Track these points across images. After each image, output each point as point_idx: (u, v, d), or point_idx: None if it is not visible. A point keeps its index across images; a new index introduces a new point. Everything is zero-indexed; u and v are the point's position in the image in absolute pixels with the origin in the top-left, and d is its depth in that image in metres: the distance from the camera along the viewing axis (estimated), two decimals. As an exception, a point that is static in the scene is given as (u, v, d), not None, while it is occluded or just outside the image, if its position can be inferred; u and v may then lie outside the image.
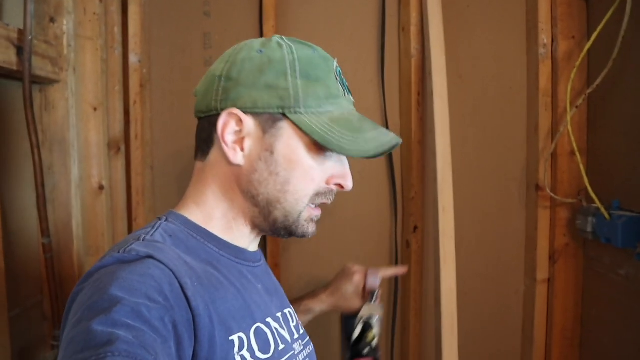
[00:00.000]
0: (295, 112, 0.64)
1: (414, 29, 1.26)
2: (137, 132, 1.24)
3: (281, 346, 0.65)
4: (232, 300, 0.61)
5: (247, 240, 0.72)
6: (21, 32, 0.92)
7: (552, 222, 1.21)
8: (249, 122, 0.65)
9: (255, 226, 0.70)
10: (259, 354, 0.60)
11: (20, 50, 0.92)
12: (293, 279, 1.34)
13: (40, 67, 0.99)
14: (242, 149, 0.66)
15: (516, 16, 1.27)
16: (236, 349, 0.57)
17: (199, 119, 0.71)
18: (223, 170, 0.68)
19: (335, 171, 0.69)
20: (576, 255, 1.20)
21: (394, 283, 1.34)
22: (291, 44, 0.68)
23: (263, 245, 1.32)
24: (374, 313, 0.99)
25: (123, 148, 1.24)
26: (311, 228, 0.70)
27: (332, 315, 1.07)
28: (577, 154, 1.13)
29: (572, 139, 1.14)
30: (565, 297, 1.20)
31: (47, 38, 1.05)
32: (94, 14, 1.12)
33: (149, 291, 0.51)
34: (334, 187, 0.69)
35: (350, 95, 0.73)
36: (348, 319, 1.01)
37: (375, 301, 1.00)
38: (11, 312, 0.92)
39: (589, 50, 1.12)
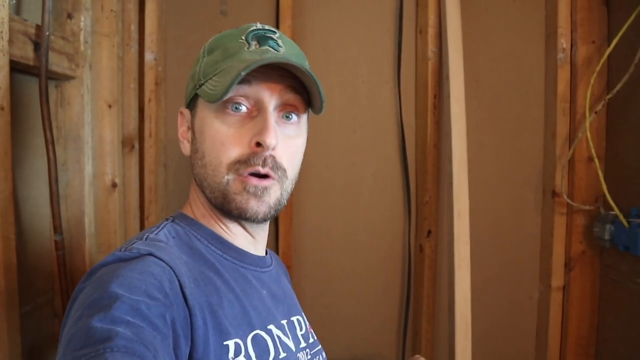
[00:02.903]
0: (200, 86, 0.65)
1: (431, 31, 1.25)
2: (151, 130, 1.24)
3: (282, 354, 0.64)
4: (228, 306, 0.60)
5: (242, 238, 0.70)
6: (39, 28, 0.92)
7: (568, 228, 1.20)
8: (187, 113, 0.70)
9: (218, 215, 0.68)
10: None
11: (37, 46, 0.92)
12: (305, 281, 1.33)
13: (57, 63, 0.99)
14: (189, 141, 0.69)
15: (535, 20, 1.26)
16: (231, 354, 0.56)
17: None
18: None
19: (255, 130, 0.61)
20: (592, 263, 1.18)
21: (407, 287, 1.33)
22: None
23: (275, 247, 1.31)
24: None
25: (137, 146, 1.23)
26: (249, 202, 0.62)
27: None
28: (596, 160, 1.12)
29: (591, 145, 1.12)
30: (580, 305, 1.18)
31: (64, 34, 1.04)
32: (111, 11, 1.12)
33: (149, 288, 0.51)
34: (257, 149, 0.61)
35: (268, 45, 0.64)
36: None
37: None
38: (22, 309, 0.92)
39: (609, 55, 1.10)
